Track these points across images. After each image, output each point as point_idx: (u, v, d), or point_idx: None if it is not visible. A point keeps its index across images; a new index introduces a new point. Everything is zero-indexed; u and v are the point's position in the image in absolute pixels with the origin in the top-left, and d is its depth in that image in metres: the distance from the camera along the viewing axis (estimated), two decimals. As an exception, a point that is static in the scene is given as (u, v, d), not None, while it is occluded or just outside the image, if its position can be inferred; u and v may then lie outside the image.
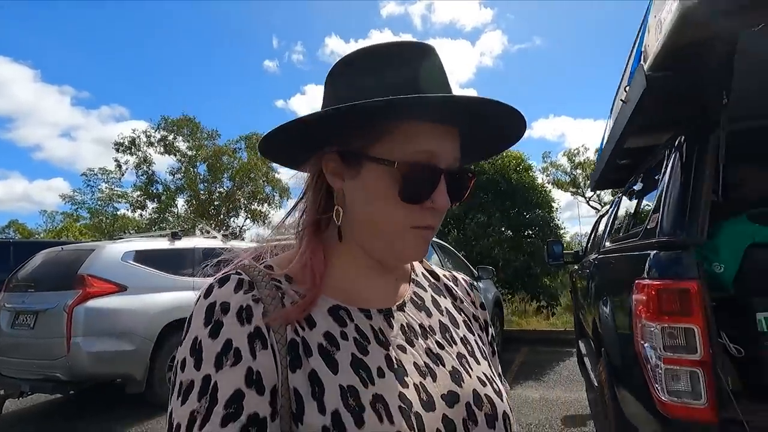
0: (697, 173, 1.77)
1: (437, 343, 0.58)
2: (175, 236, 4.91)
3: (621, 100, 2.23)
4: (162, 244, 4.80)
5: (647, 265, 1.77)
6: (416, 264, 0.68)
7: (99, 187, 20.17)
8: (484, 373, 0.59)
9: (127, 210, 20.63)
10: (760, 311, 1.80)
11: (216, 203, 20.04)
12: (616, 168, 3.32)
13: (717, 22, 1.39)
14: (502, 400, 0.57)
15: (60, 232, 23.09)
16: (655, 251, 1.77)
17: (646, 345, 1.70)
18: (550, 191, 9.82)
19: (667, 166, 2.03)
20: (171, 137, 19.60)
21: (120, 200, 20.36)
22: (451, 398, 0.53)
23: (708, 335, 1.53)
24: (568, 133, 49.18)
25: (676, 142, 2.01)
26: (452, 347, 0.59)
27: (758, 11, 1.36)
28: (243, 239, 4.18)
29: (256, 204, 20.33)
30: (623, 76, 2.81)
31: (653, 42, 1.83)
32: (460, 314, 0.66)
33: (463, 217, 9.00)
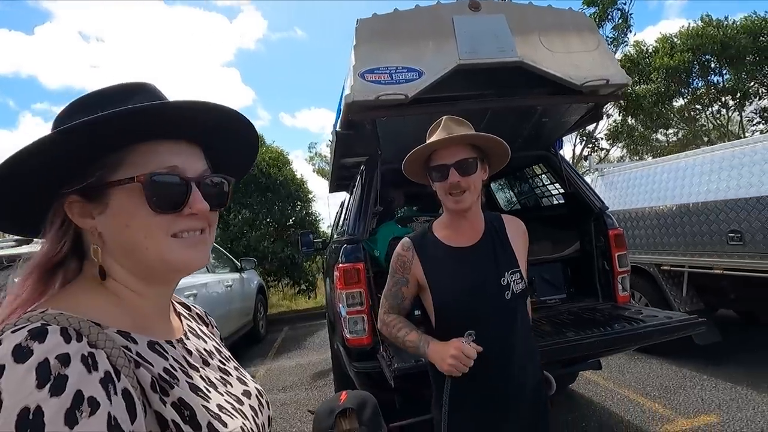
0: (366, 194, 2.85)
1: (220, 361, 0.70)
2: None
3: (329, 140, 3.21)
4: None
5: (341, 254, 2.74)
6: (172, 300, 0.72)
7: None
8: (250, 376, 0.76)
9: None
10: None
11: None
12: (341, 177, 4.44)
13: (361, 113, 2.39)
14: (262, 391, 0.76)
15: None
16: (344, 245, 2.77)
17: (340, 305, 2.67)
18: (305, 183, 10.52)
19: (355, 184, 3.10)
20: None
21: None
22: (246, 395, 0.68)
23: (368, 295, 2.58)
24: (328, 125, 53.68)
25: (360, 170, 3.09)
26: (229, 362, 0.73)
27: (380, 110, 2.42)
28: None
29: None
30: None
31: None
32: (215, 337, 0.79)
33: (226, 214, 9.19)
